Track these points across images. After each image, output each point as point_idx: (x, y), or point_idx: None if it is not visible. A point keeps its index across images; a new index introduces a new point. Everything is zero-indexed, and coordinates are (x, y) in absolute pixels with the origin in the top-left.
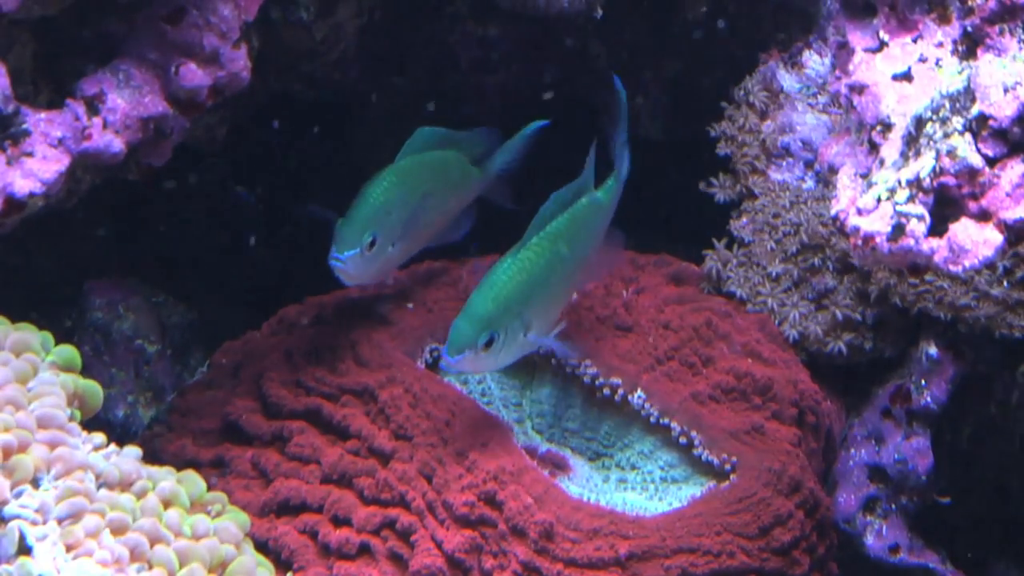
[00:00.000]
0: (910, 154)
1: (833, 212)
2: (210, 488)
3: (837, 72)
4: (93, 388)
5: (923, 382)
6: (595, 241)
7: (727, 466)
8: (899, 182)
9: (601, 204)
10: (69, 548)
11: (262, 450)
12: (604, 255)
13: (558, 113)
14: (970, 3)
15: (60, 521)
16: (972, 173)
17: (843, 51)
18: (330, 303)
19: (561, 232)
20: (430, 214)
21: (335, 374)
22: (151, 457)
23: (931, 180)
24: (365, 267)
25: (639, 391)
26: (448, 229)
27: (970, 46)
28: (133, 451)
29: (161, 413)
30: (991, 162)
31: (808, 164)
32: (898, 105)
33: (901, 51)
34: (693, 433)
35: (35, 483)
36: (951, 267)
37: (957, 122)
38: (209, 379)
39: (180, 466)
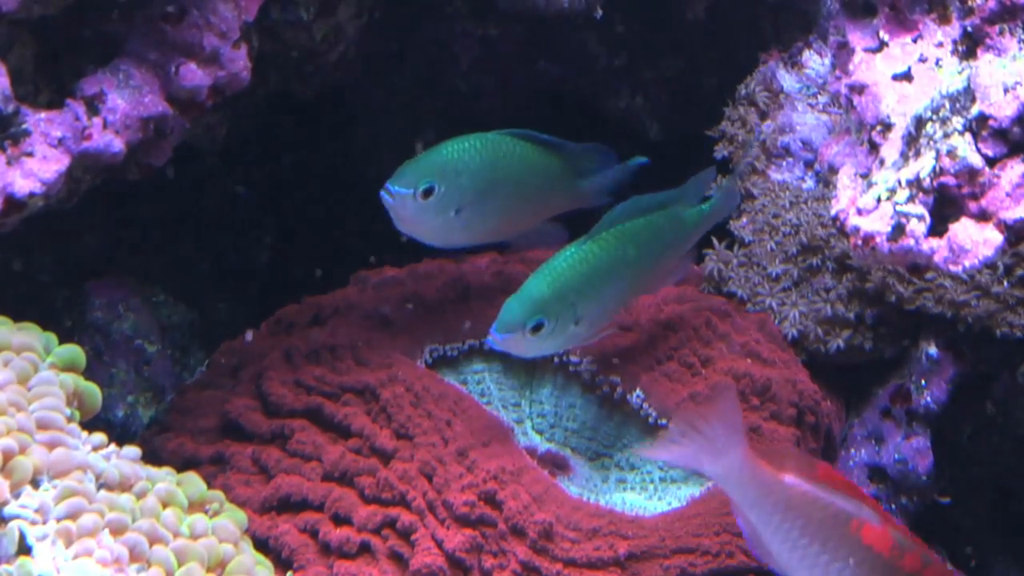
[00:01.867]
0: (910, 154)
1: (833, 212)
2: (210, 483)
3: (837, 72)
4: (92, 389)
5: (923, 382)
6: (668, 256)
7: None
8: (899, 182)
9: (685, 223)
10: (69, 548)
11: (263, 447)
12: (672, 271)
13: (558, 113)
14: (970, 3)
15: (60, 521)
16: (972, 173)
17: (843, 51)
18: (329, 303)
19: (634, 235)
20: (511, 200)
21: (335, 373)
22: (151, 456)
23: (931, 180)
24: (416, 215)
25: (638, 391)
26: (536, 233)
27: (970, 46)
28: (133, 451)
29: (160, 412)
30: (991, 162)
31: (808, 164)
32: (898, 105)
33: (901, 51)
34: None
35: (35, 483)
36: (951, 267)
37: (957, 122)
38: (208, 378)
39: (180, 464)
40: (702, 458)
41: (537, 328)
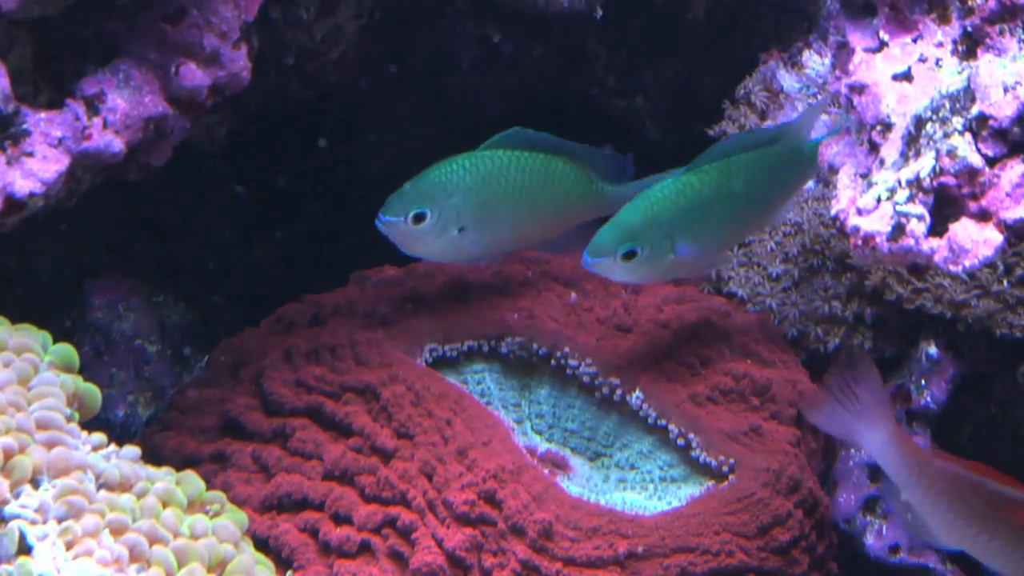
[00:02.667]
0: (910, 154)
1: (833, 212)
2: (211, 481)
3: (837, 72)
4: (92, 390)
5: (923, 382)
6: (787, 191)
7: (724, 468)
8: (899, 182)
9: (804, 156)
10: (69, 548)
11: (263, 445)
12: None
13: (558, 113)
14: (970, 3)
15: (60, 521)
16: (972, 173)
17: (843, 51)
18: (329, 302)
19: (741, 168)
20: (520, 211)
21: (335, 373)
22: (151, 454)
23: (931, 180)
24: (414, 240)
25: (637, 391)
26: (566, 239)
27: (970, 46)
28: (133, 451)
29: (160, 411)
30: (991, 162)
31: None
32: (898, 105)
33: (901, 51)
34: (691, 435)
35: (35, 483)
36: (951, 267)
37: (957, 122)
38: (208, 377)
39: (180, 462)
40: (857, 427)
41: (629, 255)
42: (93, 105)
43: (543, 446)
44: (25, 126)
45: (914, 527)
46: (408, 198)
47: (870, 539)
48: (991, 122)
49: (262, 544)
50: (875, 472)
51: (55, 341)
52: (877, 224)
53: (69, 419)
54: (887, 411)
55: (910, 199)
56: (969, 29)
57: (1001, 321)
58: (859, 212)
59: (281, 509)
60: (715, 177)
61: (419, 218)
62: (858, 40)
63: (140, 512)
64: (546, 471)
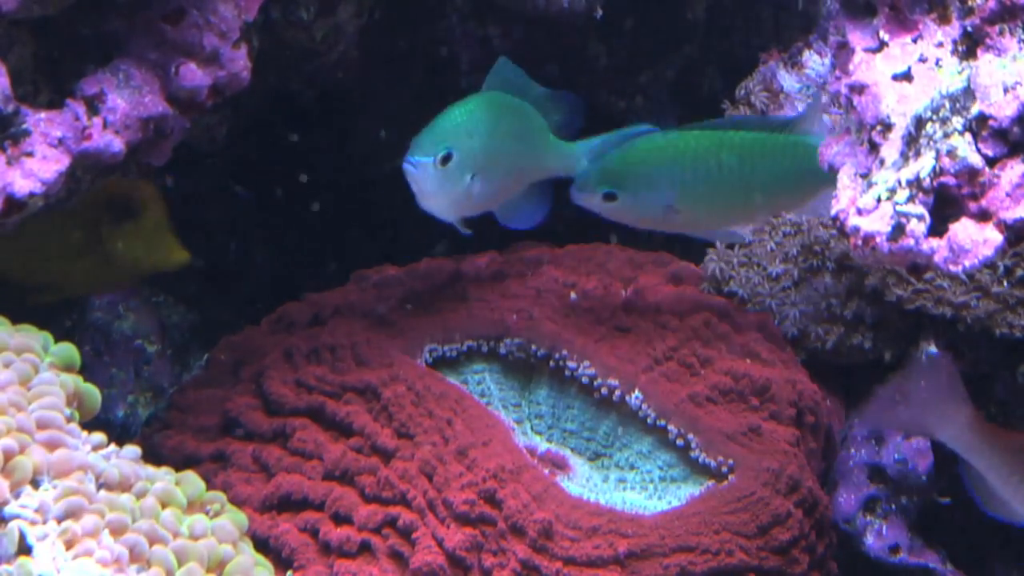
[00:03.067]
0: (910, 154)
1: (833, 212)
2: (211, 481)
3: (837, 72)
4: (92, 390)
5: None
6: (786, 187)
7: (724, 468)
8: (899, 182)
9: (807, 152)
10: (69, 548)
11: (264, 445)
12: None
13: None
14: (970, 3)
15: (60, 521)
16: (972, 173)
17: (843, 51)
18: (329, 302)
19: (737, 144)
20: (512, 160)
21: (336, 373)
22: (151, 453)
23: (931, 180)
24: (437, 184)
25: (636, 392)
26: (522, 210)
27: (970, 46)
28: (133, 451)
29: (160, 409)
30: (991, 162)
31: None
32: (898, 105)
33: (901, 51)
34: (690, 436)
35: (35, 483)
36: (951, 267)
37: (957, 122)
38: (208, 376)
39: (180, 461)
40: (928, 421)
41: (610, 197)
42: (93, 105)
43: (543, 446)
44: (25, 126)
45: (1004, 510)
46: (436, 137)
47: (870, 539)
48: (991, 122)
49: (262, 544)
50: (875, 472)
51: (56, 341)
52: (877, 224)
53: (69, 419)
54: (963, 400)
55: (910, 199)
56: (969, 29)
57: (1001, 321)
58: (859, 212)
59: (281, 509)
60: (709, 141)
61: (446, 159)
62: (858, 40)
63: (140, 512)
64: (546, 471)
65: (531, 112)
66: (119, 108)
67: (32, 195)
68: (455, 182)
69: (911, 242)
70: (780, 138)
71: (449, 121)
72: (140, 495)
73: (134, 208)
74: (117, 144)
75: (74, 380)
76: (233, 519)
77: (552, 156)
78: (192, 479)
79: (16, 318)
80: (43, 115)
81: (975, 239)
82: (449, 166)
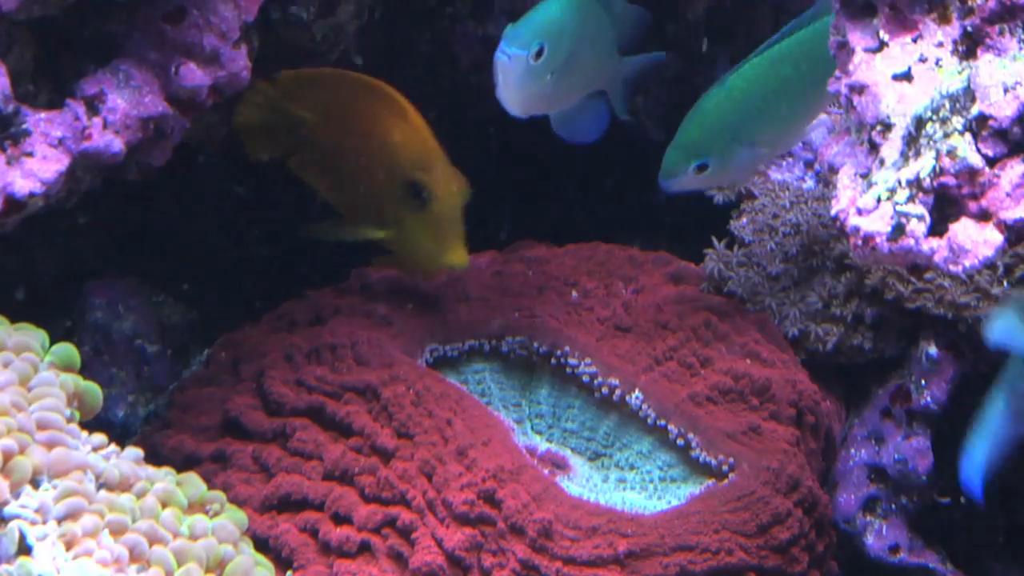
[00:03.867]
0: (910, 154)
1: (833, 212)
2: (211, 481)
3: (837, 72)
4: (93, 389)
5: (923, 382)
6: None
7: (724, 467)
8: (899, 182)
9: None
10: (69, 548)
11: (264, 445)
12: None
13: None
14: (970, 3)
15: (60, 521)
16: (972, 173)
17: (843, 51)
18: (330, 301)
19: (783, 56)
20: (585, 65)
21: (336, 373)
22: (150, 453)
23: (931, 180)
24: (525, 79)
25: (637, 392)
26: (579, 123)
27: (970, 46)
28: (133, 452)
29: (159, 408)
30: (991, 162)
31: (808, 164)
32: (898, 105)
33: (901, 51)
34: (690, 435)
35: (35, 483)
36: (951, 267)
37: (957, 122)
38: (208, 375)
39: (180, 461)
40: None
41: (702, 168)
42: (93, 105)
43: (543, 446)
44: (25, 126)
45: None
46: (533, 32)
47: (870, 539)
48: (991, 122)
49: (262, 544)
50: (875, 472)
51: (55, 341)
52: (877, 224)
53: (69, 419)
54: None
55: (910, 199)
56: (969, 29)
57: None
58: (859, 212)
59: (281, 509)
60: (759, 71)
61: (539, 54)
62: (858, 40)
63: (140, 512)
64: (546, 471)
65: (606, 21)
66: (119, 108)
67: (32, 195)
68: (539, 78)
69: (911, 242)
70: (815, 27)
71: (545, 15)
72: (140, 495)
73: (426, 196)
74: (117, 144)
75: (74, 380)
76: (233, 519)
77: (615, 67)
78: (193, 480)
79: (15, 317)
80: (43, 115)
81: (975, 239)
82: (539, 62)
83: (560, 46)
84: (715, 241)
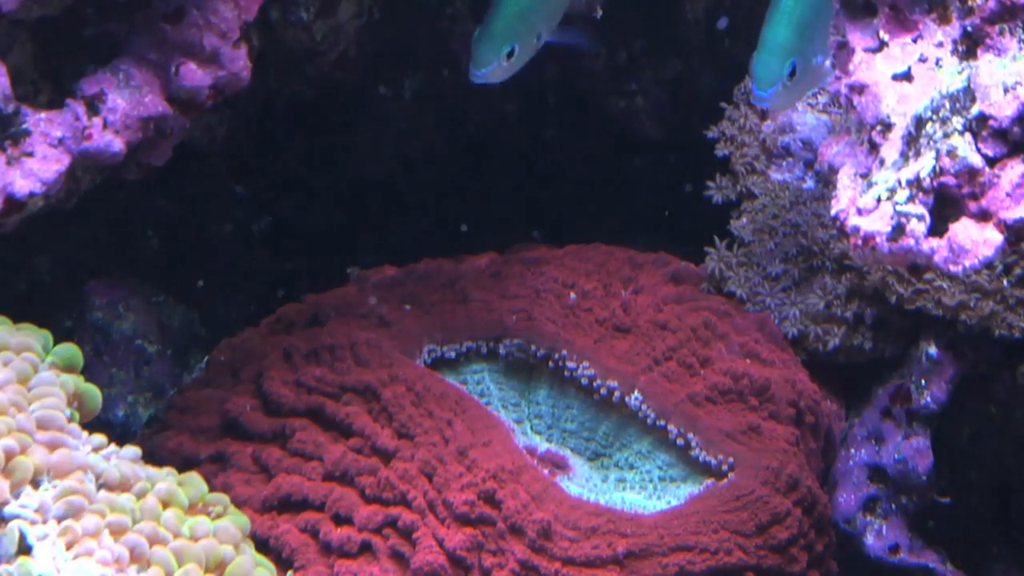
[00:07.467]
0: (910, 154)
1: (833, 212)
2: (211, 482)
3: (837, 72)
4: (92, 390)
5: (923, 382)
6: None
7: (724, 467)
8: (899, 182)
9: None
10: (69, 548)
11: (264, 446)
12: None
13: (558, 113)
14: (970, 3)
15: (60, 521)
16: (972, 173)
17: (843, 51)
18: (329, 302)
19: None
20: (546, 30)
21: (335, 373)
22: (150, 454)
23: (931, 180)
24: (500, 75)
25: (636, 392)
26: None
27: (970, 46)
28: (133, 452)
29: (160, 411)
30: (991, 162)
31: (808, 164)
32: (898, 105)
33: (901, 51)
34: (690, 435)
35: (35, 483)
36: (951, 267)
37: (957, 122)
38: (208, 377)
39: (179, 462)
40: None
41: (792, 74)
42: (93, 105)
43: (543, 446)
44: (25, 126)
45: None
46: (501, 38)
47: (870, 539)
48: (991, 122)
49: (263, 544)
50: (875, 472)
51: (56, 341)
52: (877, 224)
53: (70, 419)
54: None
55: (910, 199)
56: (969, 29)
57: (1000, 321)
58: (859, 212)
59: (281, 510)
60: None
61: (510, 55)
62: (858, 40)
63: (141, 513)
64: (546, 471)
65: None
66: (119, 108)
67: (32, 195)
68: (512, 69)
69: (911, 242)
70: None
71: (504, 16)
72: (140, 495)
73: None
74: (117, 144)
75: (74, 380)
76: (235, 520)
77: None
78: (194, 480)
79: (15, 317)
80: (43, 115)
81: (975, 239)
82: (512, 60)
83: (528, 43)
84: (716, 241)
